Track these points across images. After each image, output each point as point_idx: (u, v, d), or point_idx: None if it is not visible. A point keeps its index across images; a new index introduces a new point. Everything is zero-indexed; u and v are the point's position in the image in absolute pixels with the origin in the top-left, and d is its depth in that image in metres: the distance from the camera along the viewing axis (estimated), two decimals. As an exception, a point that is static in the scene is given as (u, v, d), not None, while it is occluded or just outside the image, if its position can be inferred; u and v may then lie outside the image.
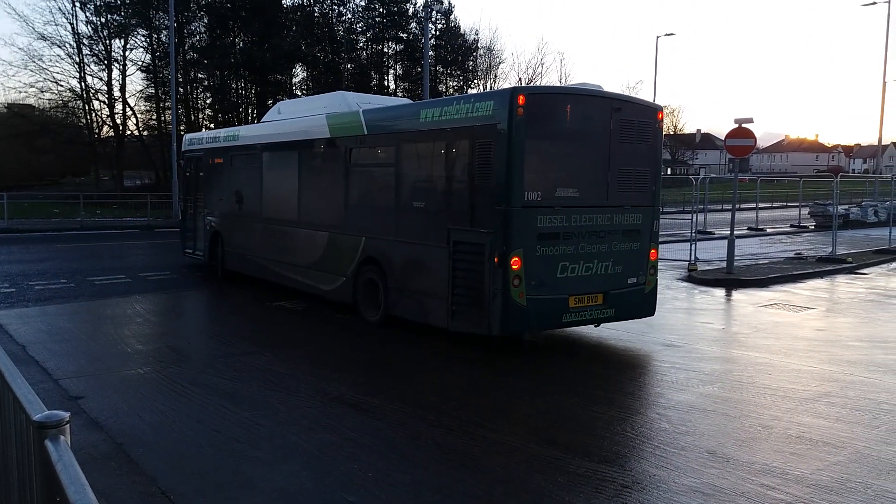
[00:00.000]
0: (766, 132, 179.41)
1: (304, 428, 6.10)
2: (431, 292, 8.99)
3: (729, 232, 15.74)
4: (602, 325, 9.26)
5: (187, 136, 17.36)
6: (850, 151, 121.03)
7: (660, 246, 9.60)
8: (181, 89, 43.10)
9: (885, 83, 40.27)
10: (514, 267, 8.00)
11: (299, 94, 46.44)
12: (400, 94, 46.31)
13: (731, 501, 4.71)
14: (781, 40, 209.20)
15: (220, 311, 12.39)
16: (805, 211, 31.02)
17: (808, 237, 25.43)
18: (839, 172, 23.94)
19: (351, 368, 8.23)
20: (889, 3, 37.95)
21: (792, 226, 29.69)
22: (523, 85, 44.14)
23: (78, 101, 43.40)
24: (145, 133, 47.19)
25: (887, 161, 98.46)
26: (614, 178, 8.82)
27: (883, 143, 48.05)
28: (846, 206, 30.77)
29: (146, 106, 47.07)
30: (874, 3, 38.15)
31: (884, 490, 4.90)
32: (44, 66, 41.35)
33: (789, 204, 41.48)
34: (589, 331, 9.72)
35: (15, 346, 8.74)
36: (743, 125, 14.54)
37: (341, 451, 5.58)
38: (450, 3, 52.06)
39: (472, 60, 53.94)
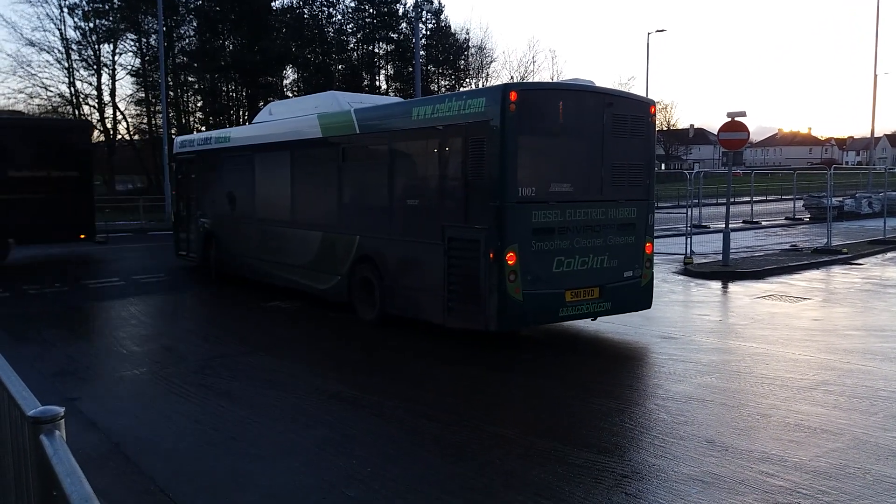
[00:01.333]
0: (759, 126, 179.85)
1: (302, 425, 6.08)
2: (427, 289, 8.97)
3: (724, 225, 15.77)
4: (599, 318, 9.27)
5: (179, 139, 17.29)
6: (843, 144, 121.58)
7: (655, 240, 9.62)
8: (171, 93, 43.02)
9: (876, 76, 40.50)
10: (509, 262, 7.99)
11: (290, 95, 46.38)
12: (391, 94, 46.28)
13: (730, 489, 4.71)
14: (772, 34, 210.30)
15: (214, 312, 12.35)
16: (799, 203, 31.13)
17: (803, 229, 25.50)
18: (833, 165, 23.99)
19: (347, 366, 8.21)
20: (878, -5, 38.11)
21: (787, 218, 29.78)
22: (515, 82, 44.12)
23: (67, 107, 43.22)
24: (136, 137, 47.08)
25: (880, 153, 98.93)
26: (608, 173, 8.82)
27: (875, 136, 48.26)
28: (840, 198, 30.87)
29: (136, 110, 47.00)
30: (863, -5, 38.31)
31: (882, 475, 4.91)
32: (32, 71, 41.24)
33: (784, 197, 41.66)
34: (586, 324, 9.72)
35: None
36: (736, 118, 14.56)
37: (339, 447, 5.56)
38: (440, 2, 52.33)
39: (464, 59, 54.01)
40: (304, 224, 11.74)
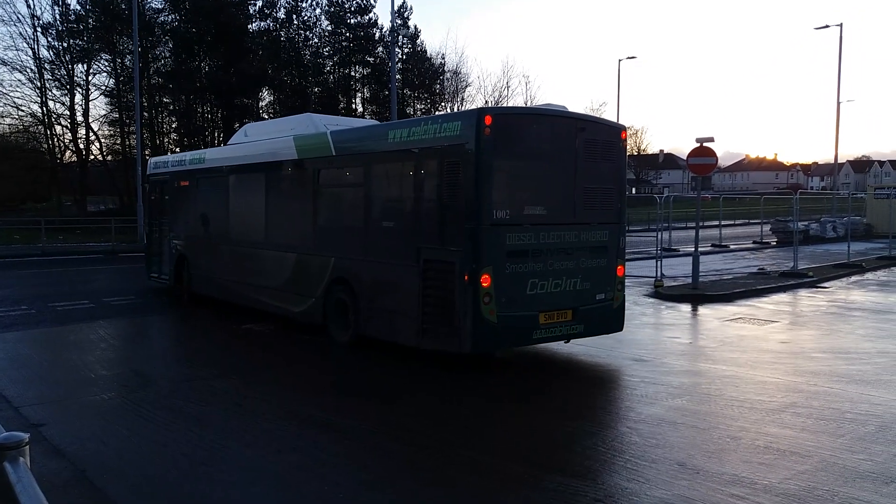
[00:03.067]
0: (726, 152, 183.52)
1: (274, 450, 6.00)
2: (402, 311, 8.96)
3: (693, 249, 16.01)
4: (572, 340, 9.32)
5: (152, 160, 17.16)
6: (808, 170, 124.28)
7: (626, 263, 9.72)
8: (146, 113, 42.66)
9: (839, 103, 41.45)
10: (484, 284, 8.03)
11: (266, 117, 46.28)
12: (367, 117, 46.42)
13: (701, 511, 4.75)
14: (740, 63, 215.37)
15: (186, 335, 12.18)
16: (767, 227, 31.70)
17: (771, 253, 25.96)
18: (798, 190, 24.54)
19: (321, 390, 8.14)
20: (841, 26, 39.29)
21: (754, 242, 30.28)
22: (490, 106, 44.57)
23: (39, 126, 42.64)
24: (109, 158, 46.49)
25: (843, 178, 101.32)
26: (581, 196, 8.94)
27: (839, 162, 49.49)
28: (806, 223, 31.51)
29: (110, 130, 46.42)
30: (826, 26, 39.47)
31: (850, 497, 4.99)
32: (4, 90, 40.66)
33: (751, 221, 42.39)
34: (559, 347, 9.76)
35: (-28, 374, 8.48)
36: (704, 144, 14.86)
37: (312, 472, 5.50)
38: (416, 27, 52.64)
39: (439, 83, 54.39)
40: (279, 246, 11.68)
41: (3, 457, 2.27)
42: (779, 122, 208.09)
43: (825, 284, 17.37)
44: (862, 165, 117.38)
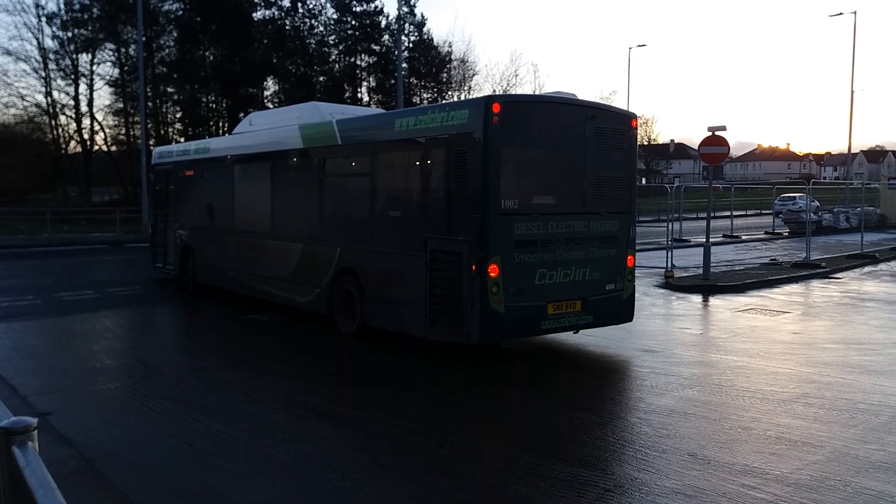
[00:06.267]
0: (738, 142, 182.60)
1: (280, 440, 5.96)
2: (409, 302, 8.90)
3: (704, 239, 15.89)
4: (581, 331, 9.25)
5: (157, 150, 17.13)
6: (820, 159, 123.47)
7: (636, 254, 9.63)
8: (150, 103, 42.70)
9: (853, 92, 41.15)
10: (491, 274, 7.95)
11: (271, 106, 46.24)
12: (374, 106, 46.30)
13: (712, 502, 4.68)
14: (752, 51, 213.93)
15: (191, 325, 12.18)
16: (779, 218, 31.50)
17: (783, 243, 25.80)
18: (811, 179, 24.36)
19: (327, 380, 8.11)
20: (855, 14, 38.95)
21: (766, 233, 30.12)
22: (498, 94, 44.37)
23: (44, 116, 42.73)
24: (114, 148, 46.58)
25: (857, 169, 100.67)
26: (590, 185, 8.84)
27: (852, 152, 49.15)
28: (818, 213, 31.31)
29: (114, 120, 46.49)
30: (840, 14, 39.10)
31: (862, 487, 4.92)
32: (8, 81, 40.99)
33: (763, 211, 42.17)
34: (568, 337, 9.70)
35: (-21, 363, 8.48)
36: (716, 133, 14.71)
37: (319, 462, 5.46)
38: (423, 15, 52.55)
39: (446, 72, 54.21)
40: (285, 236, 11.63)
41: (12, 441, 2.27)
42: (791, 112, 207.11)
43: (838, 275, 17.23)
44: (876, 155, 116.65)
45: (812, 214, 22.13)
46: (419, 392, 7.60)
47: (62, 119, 43.18)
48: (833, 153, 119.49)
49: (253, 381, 7.92)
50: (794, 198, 35.65)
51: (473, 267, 7.98)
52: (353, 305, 9.92)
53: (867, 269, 18.54)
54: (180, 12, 45.48)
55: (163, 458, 5.60)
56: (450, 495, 4.87)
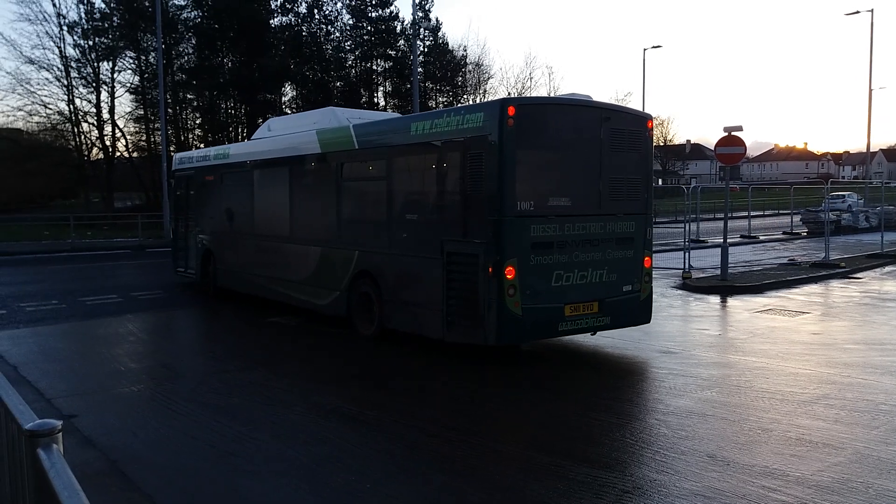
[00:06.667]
0: (755, 142, 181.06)
1: (301, 441, 6.03)
2: (426, 304, 8.95)
3: (722, 240, 15.78)
4: (598, 333, 9.24)
5: (177, 156, 17.34)
6: (839, 159, 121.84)
7: (654, 255, 9.61)
8: (170, 110, 43.16)
9: (871, 91, 40.62)
10: (508, 276, 7.98)
11: (289, 112, 46.53)
12: (389, 111, 46.46)
13: (733, 504, 4.68)
14: (768, 50, 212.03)
15: (213, 329, 12.31)
16: (797, 218, 31.19)
17: (801, 243, 25.54)
18: (829, 179, 24.08)
19: (346, 382, 8.17)
20: (872, 12, 38.46)
21: (784, 233, 29.82)
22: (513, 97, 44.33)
23: (66, 124, 43.31)
24: (135, 154, 47.15)
25: (876, 168, 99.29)
26: (606, 187, 8.84)
27: (871, 150, 48.54)
28: (837, 213, 30.96)
29: (135, 127, 47.05)
30: (857, 12, 38.64)
31: (885, 489, 4.88)
32: (32, 89, 41.35)
33: (781, 212, 41.73)
34: (585, 339, 9.69)
35: (6, 366, 8.64)
36: (732, 133, 14.63)
37: (338, 463, 5.52)
38: (437, 19, 52.60)
39: (461, 76, 54.21)
40: (303, 240, 11.73)
41: (37, 444, 2.30)
42: (808, 111, 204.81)
43: (858, 275, 17.04)
44: (895, 154, 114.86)
45: (830, 214, 21.83)
46: (437, 393, 7.64)
47: (84, 126, 43.78)
48: (851, 152, 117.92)
49: (273, 383, 8.01)
50: (844, 196, 35.32)
51: (490, 269, 8.01)
52: (371, 308, 9.99)
53: (888, 268, 18.30)
54: (198, 20, 45.97)
55: (185, 460, 5.69)
56: (468, 496, 4.90)
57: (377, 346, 9.72)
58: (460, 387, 7.89)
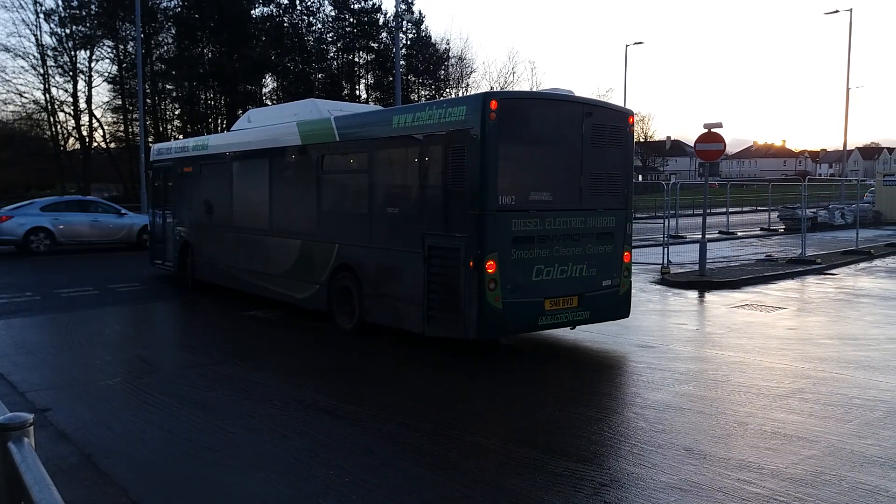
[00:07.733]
0: (734, 139, 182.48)
1: (279, 435, 6.00)
2: (407, 298, 8.93)
3: (700, 235, 15.92)
4: (578, 327, 9.28)
5: (156, 146, 17.12)
6: (816, 157, 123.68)
7: (633, 250, 9.66)
8: (149, 100, 42.66)
9: (848, 89, 41.18)
10: (489, 271, 7.98)
11: (269, 103, 46.16)
12: (371, 104, 46.25)
13: (708, 497, 4.72)
14: (748, 48, 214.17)
15: (190, 322, 12.20)
16: (774, 214, 31.55)
17: (778, 240, 25.84)
18: (807, 177, 24.38)
19: (325, 376, 8.14)
20: (851, 11, 38.93)
21: (762, 229, 30.15)
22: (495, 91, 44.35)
23: (42, 113, 42.70)
24: (112, 145, 46.56)
25: (852, 165, 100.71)
26: (587, 182, 8.87)
27: (848, 149, 49.21)
28: (814, 210, 31.37)
29: (113, 117, 46.52)
30: (836, 11, 39.08)
31: (857, 482, 4.96)
32: (6, 77, 40.73)
33: (759, 208, 42.20)
34: (565, 333, 9.73)
35: (-22, 360, 8.50)
36: (712, 130, 14.74)
37: (317, 457, 5.50)
38: (420, 12, 52.46)
39: (444, 69, 54.19)
40: (283, 232, 11.65)
41: (8, 437, 2.26)
42: (787, 109, 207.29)
43: (833, 271, 17.29)
44: (871, 152, 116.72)
45: (807, 211, 22.11)
46: (417, 387, 7.63)
47: (61, 116, 43.22)
48: (829, 150, 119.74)
49: (252, 376, 7.95)
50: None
51: (471, 263, 8.01)
52: (351, 301, 9.95)
53: (862, 265, 18.59)
54: (179, 9, 45.47)
55: (162, 454, 5.63)
56: (447, 490, 4.91)
57: (357, 340, 9.69)
58: (440, 381, 7.89)
